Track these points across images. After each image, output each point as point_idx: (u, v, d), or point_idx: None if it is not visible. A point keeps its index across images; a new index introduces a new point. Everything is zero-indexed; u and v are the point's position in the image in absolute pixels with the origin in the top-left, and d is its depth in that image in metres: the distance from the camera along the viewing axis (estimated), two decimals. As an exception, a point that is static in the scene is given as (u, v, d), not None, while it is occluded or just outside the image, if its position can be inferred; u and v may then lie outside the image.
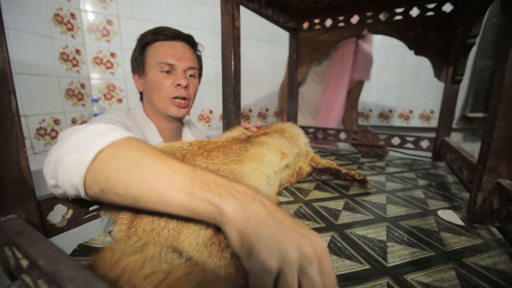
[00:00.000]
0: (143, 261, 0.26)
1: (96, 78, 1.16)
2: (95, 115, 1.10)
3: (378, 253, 0.37)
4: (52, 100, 0.98)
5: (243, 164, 0.41)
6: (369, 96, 1.71)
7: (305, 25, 1.01)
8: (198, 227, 0.29)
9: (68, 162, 0.30)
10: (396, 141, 0.92)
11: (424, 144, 0.87)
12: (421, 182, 0.67)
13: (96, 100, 1.11)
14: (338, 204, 0.53)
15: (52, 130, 0.99)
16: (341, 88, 1.19)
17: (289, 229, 0.24)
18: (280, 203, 0.51)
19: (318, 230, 0.43)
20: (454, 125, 1.66)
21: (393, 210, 0.50)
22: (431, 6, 0.79)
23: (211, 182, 0.27)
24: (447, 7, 0.77)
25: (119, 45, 1.19)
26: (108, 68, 1.18)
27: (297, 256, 0.22)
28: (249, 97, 1.63)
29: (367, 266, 0.34)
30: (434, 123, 1.67)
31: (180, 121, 0.83)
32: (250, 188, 0.27)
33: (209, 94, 1.44)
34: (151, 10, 1.24)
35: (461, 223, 0.46)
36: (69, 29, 1.05)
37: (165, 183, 0.27)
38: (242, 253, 0.24)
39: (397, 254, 0.37)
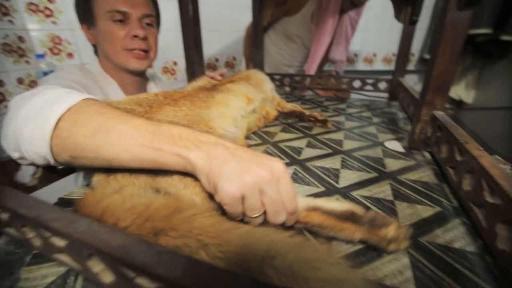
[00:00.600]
0: (124, 198, 0.29)
1: (35, 29, 1.02)
2: (45, 74, 1.00)
3: (332, 178, 0.43)
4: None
5: (210, 109, 0.43)
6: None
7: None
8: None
9: (28, 133, 0.30)
10: (357, 84, 0.97)
11: (382, 85, 0.94)
12: (376, 120, 0.74)
13: (42, 56, 0.99)
14: (301, 143, 0.58)
15: (-3, 91, 0.89)
16: (314, 65, 1.19)
17: (248, 161, 0.27)
18: (249, 146, 0.55)
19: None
20: (413, 67, 1.76)
21: (349, 144, 0.57)
22: None
23: (176, 136, 0.29)
24: None
25: (57, -14, 1.02)
26: (47, 16, 1.02)
27: (255, 180, 0.26)
28: (214, 45, 1.55)
29: (323, 189, 0.40)
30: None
31: (143, 75, 0.79)
32: (212, 136, 0.30)
33: (171, 44, 1.35)
34: None
35: (402, 150, 0.54)
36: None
37: (134, 143, 0.28)
38: (211, 190, 0.28)
39: (347, 178, 0.43)
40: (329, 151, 0.54)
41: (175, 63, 1.44)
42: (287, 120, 0.74)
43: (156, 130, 0.29)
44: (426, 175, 0.44)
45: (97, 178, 0.35)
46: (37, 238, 0.26)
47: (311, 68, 1.19)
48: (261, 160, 0.28)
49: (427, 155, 0.51)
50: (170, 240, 0.24)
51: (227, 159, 0.27)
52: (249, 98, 0.57)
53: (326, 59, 1.30)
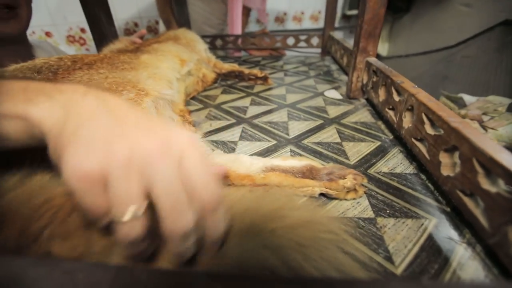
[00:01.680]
0: (29, 194, 0.20)
1: None
2: None
3: (282, 131, 0.43)
4: None
5: (136, 71, 0.36)
6: (264, -1, 1.65)
7: None
8: None
9: None
10: (291, 41, 0.97)
11: (314, 41, 0.96)
12: (312, 73, 0.76)
13: None
14: (245, 102, 0.56)
15: None
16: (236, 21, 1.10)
17: (130, 126, 0.17)
18: (190, 112, 0.50)
19: (230, 126, 0.45)
20: (336, 24, 1.85)
21: (291, 98, 0.57)
22: None
23: (18, 91, 0.18)
24: None
25: None
26: None
27: (131, 153, 0.15)
28: (131, 7, 1.33)
29: (274, 142, 0.40)
30: (321, 23, 1.80)
31: (21, 43, 0.60)
32: (88, 87, 0.19)
33: (73, 6, 1.09)
34: None
35: (340, 97, 0.57)
36: None
37: None
38: (56, 162, 0.16)
39: (296, 128, 0.43)
40: (274, 106, 0.53)
41: (82, 30, 1.19)
42: (227, 81, 0.70)
43: None
44: (364, 116, 0.47)
45: None
46: None
47: (234, 26, 1.12)
48: (155, 127, 0.17)
49: (364, 100, 0.55)
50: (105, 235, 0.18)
51: (94, 116, 0.17)
52: (182, 59, 0.51)
53: (246, 12, 1.24)
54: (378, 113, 0.48)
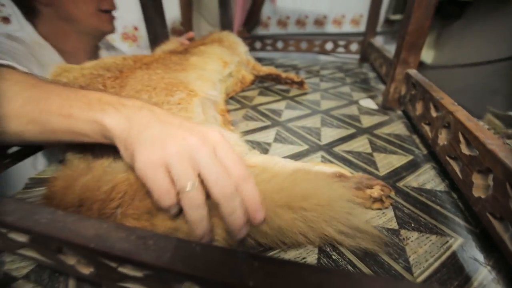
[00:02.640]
0: (97, 179, 0.26)
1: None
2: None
3: (314, 136, 0.44)
4: None
5: (187, 72, 0.41)
6: (304, 2, 1.65)
7: None
8: None
9: None
10: (330, 46, 0.97)
11: (354, 47, 0.95)
12: (349, 80, 0.76)
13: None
14: (280, 105, 0.58)
15: None
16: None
17: (176, 127, 0.23)
18: (228, 111, 0.53)
19: (265, 127, 0.48)
20: (378, 29, 1.79)
21: (326, 104, 0.58)
22: None
23: (94, 101, 0.24)
24: None
25: None
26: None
27: (180, 145, 0.21)
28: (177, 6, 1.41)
29: (306, 147, 0.42)
30: (362, 27, 1.75)
31: (99, 40, 0.70)
32: (140, 101, 0.25)
33: (128, 6, 1.20)
34: None
35: (375, 107, 0.57)
36: None
37: (41, 110, 0.24)
38: (129, 161, 0.23)
39: (328, 135, 0.45)
40: (308, 111, 0.55)
41: (135, 29, 1.30)
42: (264, 83, 0.73)
43: (71, 95, 0.25)
44: (398, 128, 0.47)
45: (71, 152, 0.32)
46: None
47: (237, 15, 1.10)
48: (193, 127, 0.23)
49: (400, 112, 0.54)
50: (165, 221, 0.22)
51: (150, 124, 0.23)
52: (225, 61, 0.55)
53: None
54: (413, 127, 0.47)
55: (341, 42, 0.95)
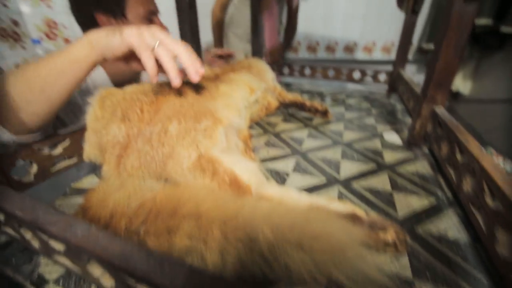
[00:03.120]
0: (128, 195, 0.28)
1: (31, 13, 0.98)
2: (40, 55, 0.97)
3: (333, 169, 0.45)
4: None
5: (215, 100, 0.44)
6: (335, 28, 1.69)
7: None
8: (182, 156, 0.33)
9: None
10: (357, 75, 0.97)
11: (382, 77, 0.94)
12: (374, 111, 0.75)
13: (38, 41, 0.97)
14: (303, 133, 0.59)
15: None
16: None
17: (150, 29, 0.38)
18: (251, 136, 0.56)
19: (285, 156, 0.49)
20: (411, 57, 1.76)
21: (348, 136, 0.58)
22: None
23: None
24: None
25: (50, -36, 0.98)
26: (42, -1, 0.99)
27: (147, 28, 0.38)
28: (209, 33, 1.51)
29: (324, 179, 0.42)
30: (394, 55, 1.74)
31: None
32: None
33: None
34: None
35: (400, 142, 0.56)
36: None
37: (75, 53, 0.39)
38: (116, 41, 0.38)
39: (348, 169, 0.45)
40: (330, 142, 0.55)
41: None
42: (288, 110, 0.75)
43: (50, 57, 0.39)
44: (423, 167, 0.46)
45: (107, 167, 0.35)
46: (35, 239, 0.26)
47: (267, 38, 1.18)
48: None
49: (425, 149, 0.53)
50: (182, 240, 0.24)
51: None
52: (252, 88, 0.58)
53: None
54: (439, 167, 0.46)
55: (369, 72, 0.95)
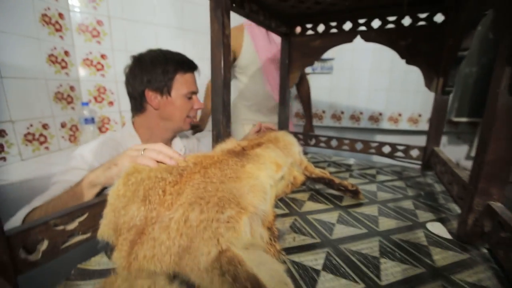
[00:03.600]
0: None
1: (86, 80, 1.13)
2: (86, 120, 1.07)
3: (372, 271, 0.38)
4: (40, 104, 0.95)
5: (241, 181, 0.42)
6: (359, 99, 1.74)
7: (297, 29, 1.01)
8: (200, 251, 0.29)
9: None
10: (386, 149, 0.94)
11: (414, 153, 0.90)
12: (410, 192, 0.69)
13: (87, 104, 1.08)
14: (332, 217, 0.54)
15: (41, 135, 0.96)
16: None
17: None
18: (275, 216, 0.51)
19: (314, 246, 0.44)
20: (441, 129, 1.72)
21: (385, 223, 0.52)
22: (423, 16, 0.80)
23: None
24: (439, 18, 0.79)
25: (110, 46, 1.16)
26: (98, 70, 1.15)
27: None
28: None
29: (362, 286, 0.35)
30: (422, 126, 1.71)
31: (176, 134, 0.90)
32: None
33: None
34: (142, 10, 1.22)
35: (449, 236, 0.48)
36: (57, 30, 1.01)
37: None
38: (112, 171, 0.48)
39: (390, 272, 0.38)
40: (364, 230, 0.49)
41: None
42: (314, 185, 0.71)
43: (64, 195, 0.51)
44: (486, 276, 0.37)
45: (118, 255, 0.32)
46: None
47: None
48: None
49: (483, 249, 0.45)
50: None
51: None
52: (278, 165, 0.56)
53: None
54: (507, 277, 0.37)
55: (400, 147, 0.92)
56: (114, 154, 0.72)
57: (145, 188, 0.37)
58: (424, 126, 1.71)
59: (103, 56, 1.15)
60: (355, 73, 1.70)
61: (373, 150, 0.96)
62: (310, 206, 0.59)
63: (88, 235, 0.42)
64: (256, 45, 1.26)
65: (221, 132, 0.68)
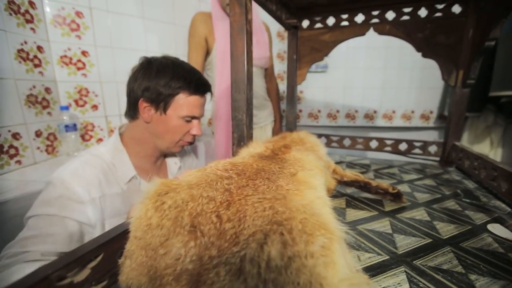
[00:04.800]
0: None
1: (64, 81, 0.98)
2: (67, 127, 0.92)
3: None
4: (8, 110, 0.79)
5: (303, 195, 0.33)
6: (354, 97, 1.72)
7: (305, 23, 0.95)
8: None
9: None
10: (403, 146, 0.90)
11: (432, 149, 0.87)
12: (446, 191, 0.64)
13: (67, 108, 0.94)
14: (384, 226, 0.47)
15: (11, 146, 0.80)
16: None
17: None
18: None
19: (385, 264, 0.36)
20: (432, 124, 1.75)
21: (444, 229, 0.46)
22: (440, 6, 0.77)
23: None
24: (456, 9, 0.76)
25: (92, 41, 1.01)
26: (79, 69, 1.00)
27: None
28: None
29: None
30: (414, 122, 1.73)
31: (165, 153, 0.80)
32: None
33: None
34: (129, 3, 1.09)
35: (517, 239, 0.43)
36: (28, 21, 0.86)
37: None
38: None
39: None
40: (428, 239, 0.43)
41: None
42: (345, 189, 0.64)
43: None
44: None
45: None
46: None
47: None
48: None
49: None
50: None
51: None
52: (320, 169, 0.48)
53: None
54: None
55: (417, 144, 0.88)
56: (101, 177, 0.62)
57: (191, 214, 0.27)
58: (417, 122, 1.72)
59: (84, 53, 1.00)
60: (350, 72, 1.67)
61: (388, 148, 0.92)
62: (353, 214, 0.52)
63: (103, 283, 0.31)
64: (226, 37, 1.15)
65: (244, 134, 0.59)
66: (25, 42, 0.85)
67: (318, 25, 0.93)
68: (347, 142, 0.98)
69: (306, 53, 0.97)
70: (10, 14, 0.80)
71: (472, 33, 0.73)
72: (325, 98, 1.72)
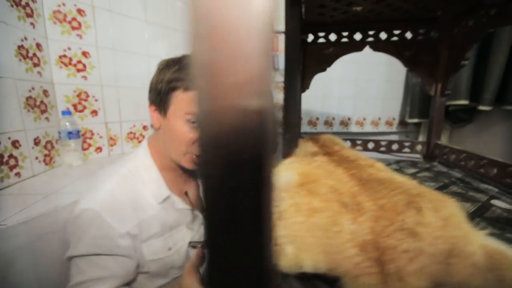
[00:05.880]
0: None
1: (63, 83, 0.90)
2: (69, 134, 0.84)
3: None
4: (8, 114, 0.70)
5: (397, 176, 0.40)
6: (331, 106, 1.90)
7: (310, 37, 1.05)
8: (464, 254, 0.27)
9: None
10: (395, 146, 1.06)
11: (418, 148, 1.03)
12: (445, 180, 0.78)
13: (69, 113, 0.86)
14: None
15: (11, 157, 0.70)
16: None
17: None
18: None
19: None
20: (395, 129, 2.02)
21: (464, 207, 0.58)
22: (421, 31, 0.95)
23: None
24: (434, 34, 0.94)
25: (94, 42, 0.95)
26: (79, 70, 0.92)
27: None
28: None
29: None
30: (381, 128, 1.98)
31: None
32: None
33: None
34: (133, 5, 1.05)
35: (517, 210, 0.57)
36: (28, 15, 0.78)
37: None
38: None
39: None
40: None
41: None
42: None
43: None
44: None
45: (370, 280, 0.27)
46: None
47: None
48: None
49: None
50: None
51: None
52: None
53: None
54: None
55: (407, 143, 1.04)
56: (137, 200, 0.59)
57: (349, 195, 0.32)
58: (383, 128, 1.98)
59: (85, 54, 0.93)
60: (327, 83, 1.85)
61: (383, 148, 1.06)
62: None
63: None
64: None
65: (294, 135, 0.64)
66: (25, 38, 0.76)
67: (321, 40, 1.04)
68: (347, 144, 1.09)
69: (311, 64, 1.06)
70: (12, 6, 0.72)
71: (447, 53, 0.91)
72: (307, 106, 1.86)
